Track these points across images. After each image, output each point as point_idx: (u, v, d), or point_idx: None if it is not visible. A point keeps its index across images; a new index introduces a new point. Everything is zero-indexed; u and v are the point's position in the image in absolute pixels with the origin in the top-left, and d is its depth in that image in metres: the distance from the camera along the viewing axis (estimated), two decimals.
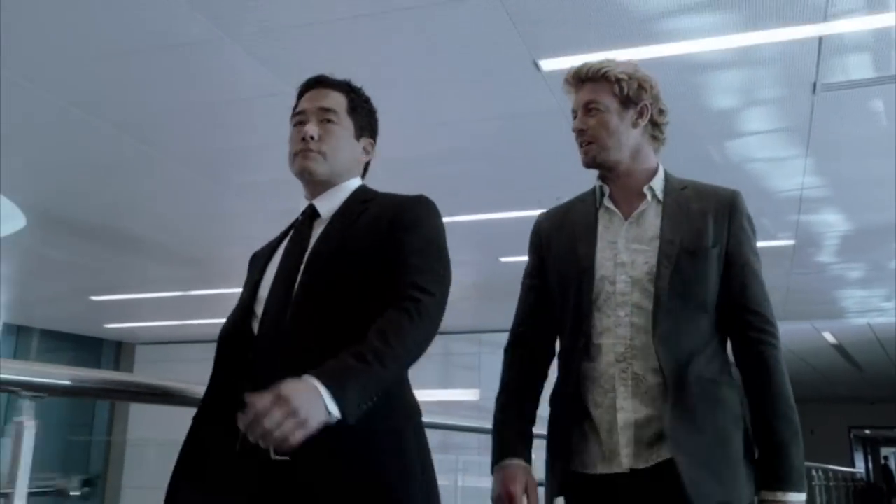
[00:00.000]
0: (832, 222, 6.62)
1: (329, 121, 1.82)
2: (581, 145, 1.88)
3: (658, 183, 1.87)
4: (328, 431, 1.38)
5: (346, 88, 1.89)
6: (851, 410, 18.37)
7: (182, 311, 10.69)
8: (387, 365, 1.47)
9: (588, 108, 1.85)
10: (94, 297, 9.80)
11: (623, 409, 1.74)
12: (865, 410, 20.03)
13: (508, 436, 1.85)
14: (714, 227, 1.79)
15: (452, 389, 11.27)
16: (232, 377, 1.68)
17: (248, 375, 1.62)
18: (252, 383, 1.50)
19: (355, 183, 1.88)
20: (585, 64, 1.87)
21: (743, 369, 1.78)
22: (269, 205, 5.75)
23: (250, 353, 1.67)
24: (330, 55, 3.82)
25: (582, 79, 1.87)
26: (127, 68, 4.10)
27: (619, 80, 1.83)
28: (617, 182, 1.88)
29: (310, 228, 1.80)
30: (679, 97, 4.16)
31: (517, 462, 1.81)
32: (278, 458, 1.52)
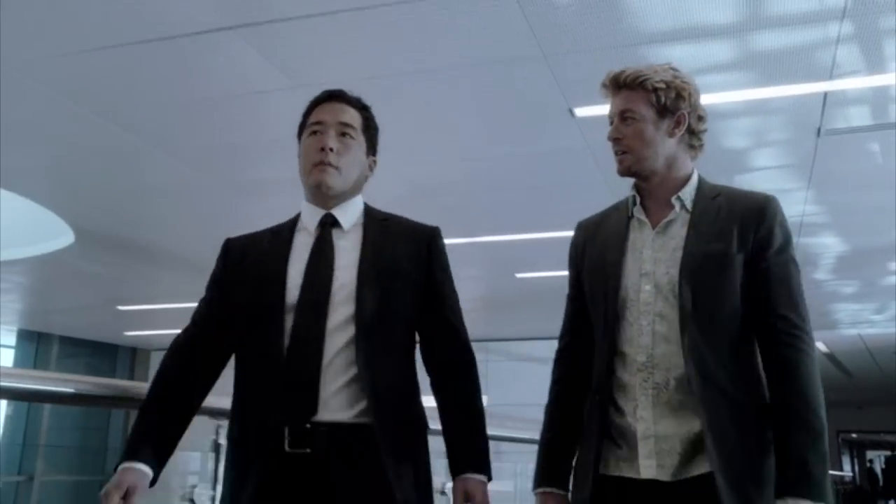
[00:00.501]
0: (829, 244, 7.12)
1: (347, 135, 1.88)
2: (616, 153, 1.85)
3: (688, 192, 1.84)
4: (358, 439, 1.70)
5: (361, 106, 1.95)
6: (840, 415, 18.90)
7: None
8: (483, 421, 1.90)
9: (623, 117, 1.82)
10: (120, 307, 10.19)
11: (642, 419, 1.73)
12: (853, 415, 20.63)
13: (552, 462, 1.89)
14: (739, 234, 1.75)
15: None
16: (263, 389, 1.76)
17: (283, 385, 1.72)
18: (287, 394, 1.70)
19: (360, 198, 1.97)
20: (623, 70, 1.84)
21: (767, 374, 1.74)
22: (279, 208, 6.02)
23: (281, 363, 1.72)
24: (336, 49, 3.79)
25: (619, 85, 1.84)
26: (131, 63, 3.95)
27: (656, 90, 1.80)
28: (650, 191, 1.86)
29: (331, 237, 1.87)
30: None
31: (557, 492, 1.87)
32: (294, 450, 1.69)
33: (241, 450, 1.78)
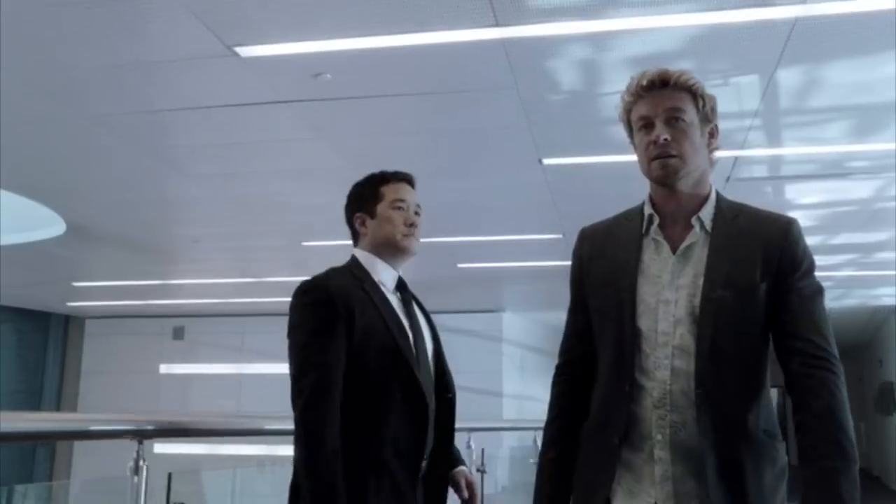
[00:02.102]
0: None
1: (419, 214, 2.31)
2: (656, 158, 1.68)
3: (708, 211, 1.71)
4: None
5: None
6: None
7: (144, 293, 11.57)
8: None
9: (670, 118, 1.68)
10: (75, 283, 10.70)
11: (661, 461, 1.63)
12: None
13: (554, 484, 1.82)
14: (763, 260, 1.64)
15: None
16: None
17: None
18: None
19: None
20: (666, 70, 1.71)
21: (796, 398, 1.63)
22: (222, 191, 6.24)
23: None
24: (279, 14, 3.56)
25: (665, 83, 1.70)
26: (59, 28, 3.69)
27: (702, 94, 1.70)
28: (671, 207, 1.73)
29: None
30: None
31: None
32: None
33: None
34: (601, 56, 3.97)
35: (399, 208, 2.24)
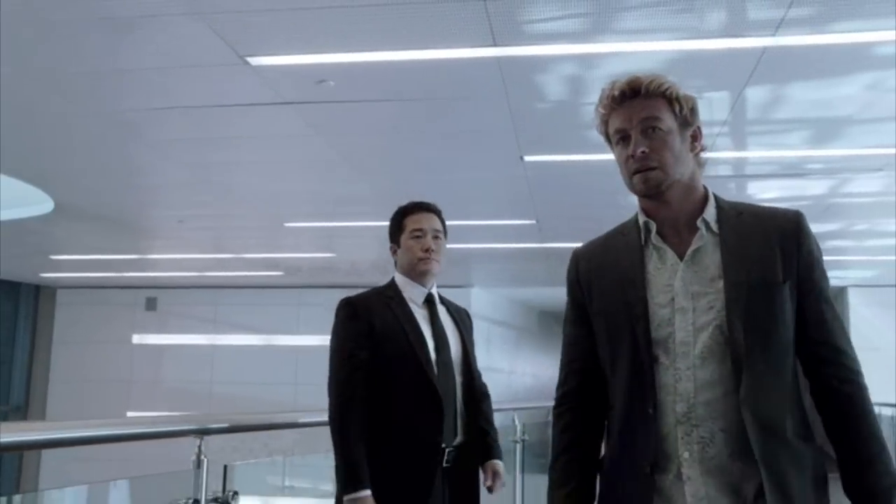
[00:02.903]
0: None
1: (438, 238, 2.68)
2: (637, 172, 1.60)
3: (711, 212, 1.63)
4: None
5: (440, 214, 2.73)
6: None
7: (121, 266, 11.71)
8: None
9: (646, 128, 1.60)
10: (53, 256, 10.83)
11: (690, 480, 1.54)
12: None
13: None
14: (783, 257, 1.56)
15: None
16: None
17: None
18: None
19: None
20: (636, 77, 1.62)
21: (828, 413, 1.58)
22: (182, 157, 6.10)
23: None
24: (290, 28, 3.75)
25: (636, 92, 1.61)
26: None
27: (678, 98, 1.61)
28: (667, 214, 1.64)
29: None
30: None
31: None
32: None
33: None
34: (587, 73, 4.32)
35: (417, 237, 2.63)
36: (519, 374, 15.06)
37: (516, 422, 5.29)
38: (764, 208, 1.66)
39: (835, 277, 11.71)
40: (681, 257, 1.62)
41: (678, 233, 1.65)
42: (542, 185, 6.61)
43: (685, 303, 1.58)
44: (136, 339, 13.75)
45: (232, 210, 7.95)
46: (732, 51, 3.93)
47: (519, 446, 5.25)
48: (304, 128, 5.22)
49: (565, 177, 6.35)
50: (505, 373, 14.04)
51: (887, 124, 4.89)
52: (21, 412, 13.96)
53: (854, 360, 1.60)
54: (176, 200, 7.62)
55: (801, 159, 5.73)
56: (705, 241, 1.61)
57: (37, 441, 2.01)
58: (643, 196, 1.65)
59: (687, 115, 1.63)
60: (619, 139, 1.65)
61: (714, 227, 1.62)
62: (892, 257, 9.37)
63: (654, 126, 1.60)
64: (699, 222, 1.62)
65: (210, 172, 6.54)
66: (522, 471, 5.31)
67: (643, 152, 1.59)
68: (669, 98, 1.61)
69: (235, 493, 2.48)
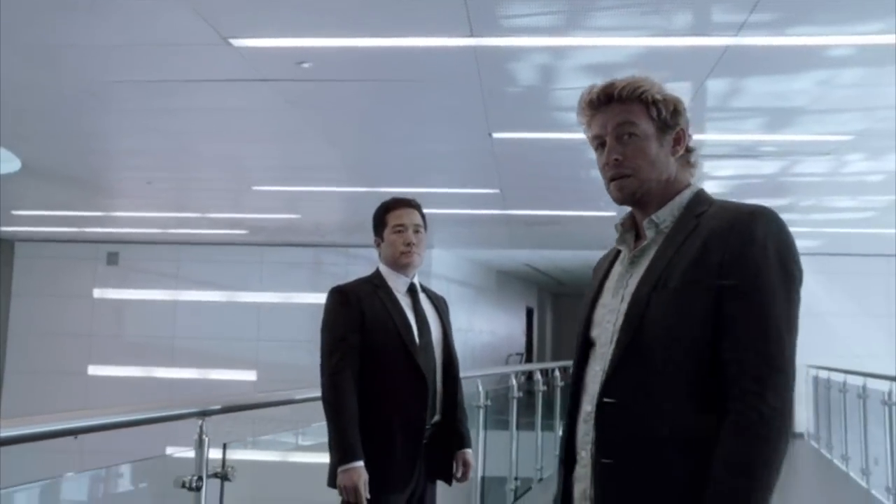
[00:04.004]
0: None
1: (419, 232, 2.89)
2: (612, 179, 1.57)
3: (667, 212, 1.56)
4: None
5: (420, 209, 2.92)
6: None
7: (83, 222, 11.66)
8: None
9: (620, 134, 1.54)
10: (14, 212, 10.76)
11: (578, 480, 1.54)
12: None
13: None
14: (704, 258, 1.45)
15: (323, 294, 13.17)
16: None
17: None
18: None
19: None
20: (611, 83, 1.57)
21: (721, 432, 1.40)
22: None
23: None
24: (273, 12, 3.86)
25: (610, 98, 1.56)
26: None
27: (655, 102, 1.54)
28: (645, 217, 1.58)
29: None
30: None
31: None
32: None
33: None
34: (559, 62, 4.52)
35: (399, 231, 2.81)
36: (476, 332, 15.40)
37: (480, 388, 5.58)
38: (730, 206, 1.53)
39: None
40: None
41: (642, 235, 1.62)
42: (508, 159, 6.81)
43: (613, 303, 1.56)
44: (97, 293, 13.72)
45: (201, 174, 8.04)
46: (696, 48, 4.15)
47: (482, 411, 5.56)
48: (281, 103, 5.34)
49: (532, 151, 6.56)
50: (463, 330, 14.36)
51: (836, 115, 5.20)
52: None
53: (758, 369, 1.39)
54: (145, 164, 7.67)
55: (755, 143, 6.02)
56: (651, 243, 1.56)
57: (38, 433, 2.05)
58: (619, 203, 1.61)
59: (667, 118, 1.56)
60: (596, 145, 1.62)
61: (666, 227, 1.56)
62: (835, 229, 9.82)
63: (629, 132, 1.55)
64: (647, 222, 1.57)
65: (183, 140, 6.62)
66: (485, 429, 5.71)
67: (616, 160, 1.56)
68: (646, 102, 1.55)
69: (234, 469, 2.68)
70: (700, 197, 1.58)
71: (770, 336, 1.41)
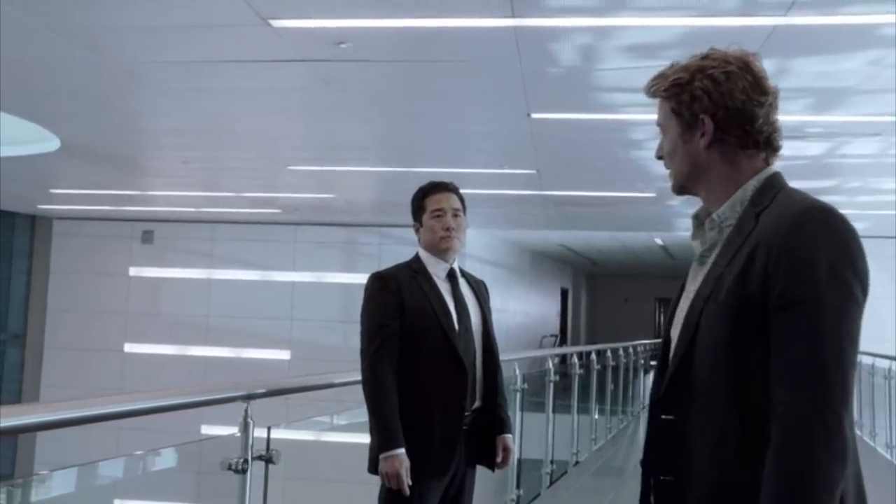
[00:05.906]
0: None
1: (458, 216, 2.80)
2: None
3: (728, 208, 1.42)
4: None
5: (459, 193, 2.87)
6: (661, 284, 22.14)
7: (120, 200, 11.79)
8: None
9: (660, 129, 1.53)
10: (53, 190, 10.90)
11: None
12: (670, 283, 24.14)
13: None
14: (749, 268, 1.31)
15: (356, 273, 13.23)
16: None
17: None
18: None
19: None
20: (647, 82, 1.52)
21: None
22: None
23: None
24: None
25: (649, 96, 1.53)
26: None
27: (671, 97, 1.46)
28: (708, 211, 1.48)
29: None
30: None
31: None
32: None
33: None
34: (602, 43, 4.43)
35: (438, 216, 2.75)
36: (510, 312, 15.38)
37: (517, 372, 5.57)
38: (781, 204, 1.36)
39: None
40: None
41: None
42: (547, 139, 6.74)
43: (683, 305, 1.46)
44: (133, 271, 13.88)
45: (237, 153, 8.06)
46: (743, 28, 4.05)
47: (518, 394, 5.55)
48: (319, 83, 5.31)
49: (571, 132, 6.48)
50: (497, 311, 14.30)
51: (887, 95, 5.05)
52: (21, 339, 14.19)
53: (798, 390, 1.24)
54: (182, 143, 7.71)
55: (802, 123, 5.88)
56: (715, 242, 1.43)
57: (88, 416, 2.06)
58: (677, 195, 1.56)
59: (690, 109, 1.43)
60: None
61: (728, 226, 1.41)
62: (882, 211, 9.62)
63: (661, 126, 1.51)
64: (708, 222, 1.45)
65: (219, 120, 6.63)
66: (522, 411, 5.70)
67: (659, 157, 1.54)
68: (667, 98, 1.47)
69: (278, 451, 2.68)
70: (765, 187, 1.41)
71: (816, 354, 1.24)
